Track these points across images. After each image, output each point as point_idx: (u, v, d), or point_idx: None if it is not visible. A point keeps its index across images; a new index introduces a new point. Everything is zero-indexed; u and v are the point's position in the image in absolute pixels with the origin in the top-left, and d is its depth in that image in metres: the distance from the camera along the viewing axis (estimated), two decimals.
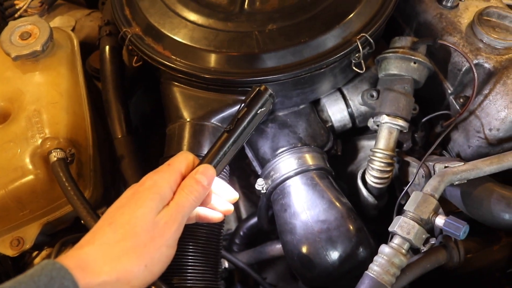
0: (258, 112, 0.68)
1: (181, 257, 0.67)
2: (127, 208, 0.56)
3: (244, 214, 1.12)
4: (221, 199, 0.67)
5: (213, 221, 0.67)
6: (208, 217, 0.66)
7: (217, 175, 0.63)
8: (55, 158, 0.71)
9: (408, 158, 0.85)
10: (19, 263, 0.86)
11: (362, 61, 0.80)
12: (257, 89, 0.68)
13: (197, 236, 0.70)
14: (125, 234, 0.53)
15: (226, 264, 0.98)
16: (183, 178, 0.60)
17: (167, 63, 0.78)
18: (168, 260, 0.57)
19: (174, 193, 0.58)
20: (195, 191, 0.59)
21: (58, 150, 0.72)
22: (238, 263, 0.96)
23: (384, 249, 0.68)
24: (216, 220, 0.67)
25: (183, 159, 0.61)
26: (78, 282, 0.48)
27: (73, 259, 0.51)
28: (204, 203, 0.64)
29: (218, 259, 0.73)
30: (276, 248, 0.99)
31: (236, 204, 0.99)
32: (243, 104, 0.68)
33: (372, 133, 0.95)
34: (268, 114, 0.72)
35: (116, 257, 0.52)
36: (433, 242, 0.81)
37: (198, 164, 0.62)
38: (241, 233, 1.07)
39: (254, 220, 1.04)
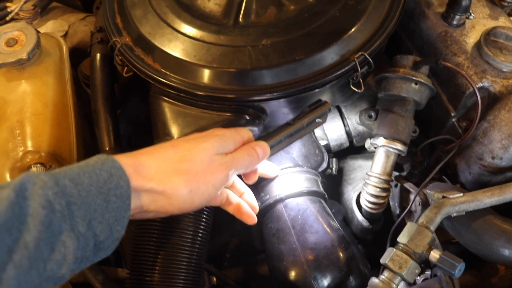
0: (316, 120, 0.72)
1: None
2: (192, 141, 0.60)
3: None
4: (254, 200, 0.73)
5: (245, 218, 0.70)
6: (244, 211, 0.70)
7: (267, 157, 0.67)
8: None
9: (406, 184, 0.81)
10: None
11: (360, 80, 0.76)
12: (324, 101, 0.73)
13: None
14: (183, 158, 0.57)
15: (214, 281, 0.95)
16: (243, 145, 0.65)
17: (156, 77, 0.75)
18: (209, 199, 0.59)
19: (234, 150, 0.63)
20: (251, 155, 0.64)
21: (38, 165, 0.70)
22: (227, 280, 0.92)
23: (374, 282, 0.65)
24: (249, 218, 0.70)
25: (247, 131, 0.68)
26: (130, 182, 0.50)
27: (130, 159, 0.53)
28: (250, 176, 0.70)
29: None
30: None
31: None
32: (307, 107, 0.73)
33: (370, 152, 0.92)
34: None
35: (169, 172, 0.55)
36: (428, 272, 0.78)
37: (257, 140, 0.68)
38: (233, 247, 1.04)
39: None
